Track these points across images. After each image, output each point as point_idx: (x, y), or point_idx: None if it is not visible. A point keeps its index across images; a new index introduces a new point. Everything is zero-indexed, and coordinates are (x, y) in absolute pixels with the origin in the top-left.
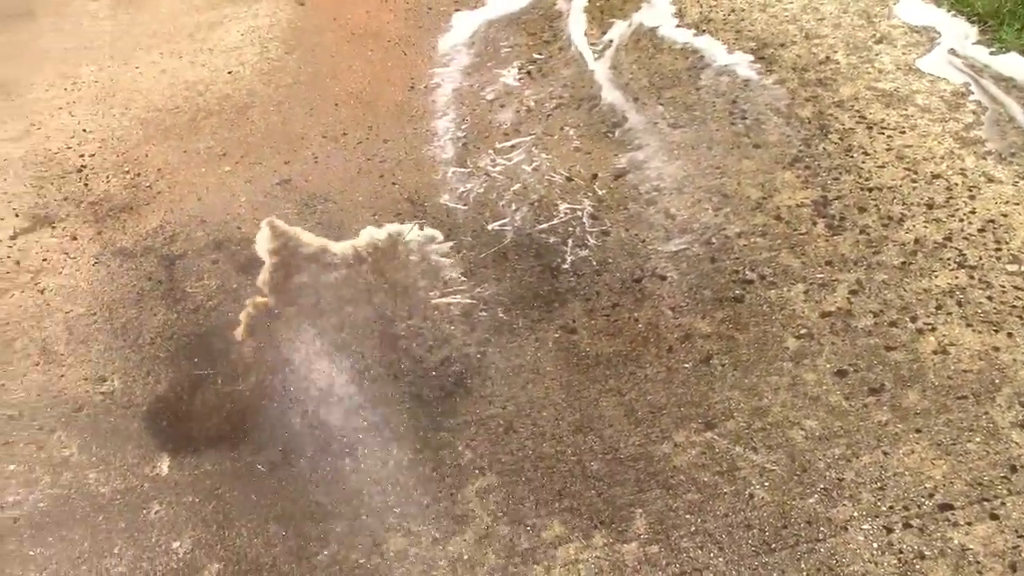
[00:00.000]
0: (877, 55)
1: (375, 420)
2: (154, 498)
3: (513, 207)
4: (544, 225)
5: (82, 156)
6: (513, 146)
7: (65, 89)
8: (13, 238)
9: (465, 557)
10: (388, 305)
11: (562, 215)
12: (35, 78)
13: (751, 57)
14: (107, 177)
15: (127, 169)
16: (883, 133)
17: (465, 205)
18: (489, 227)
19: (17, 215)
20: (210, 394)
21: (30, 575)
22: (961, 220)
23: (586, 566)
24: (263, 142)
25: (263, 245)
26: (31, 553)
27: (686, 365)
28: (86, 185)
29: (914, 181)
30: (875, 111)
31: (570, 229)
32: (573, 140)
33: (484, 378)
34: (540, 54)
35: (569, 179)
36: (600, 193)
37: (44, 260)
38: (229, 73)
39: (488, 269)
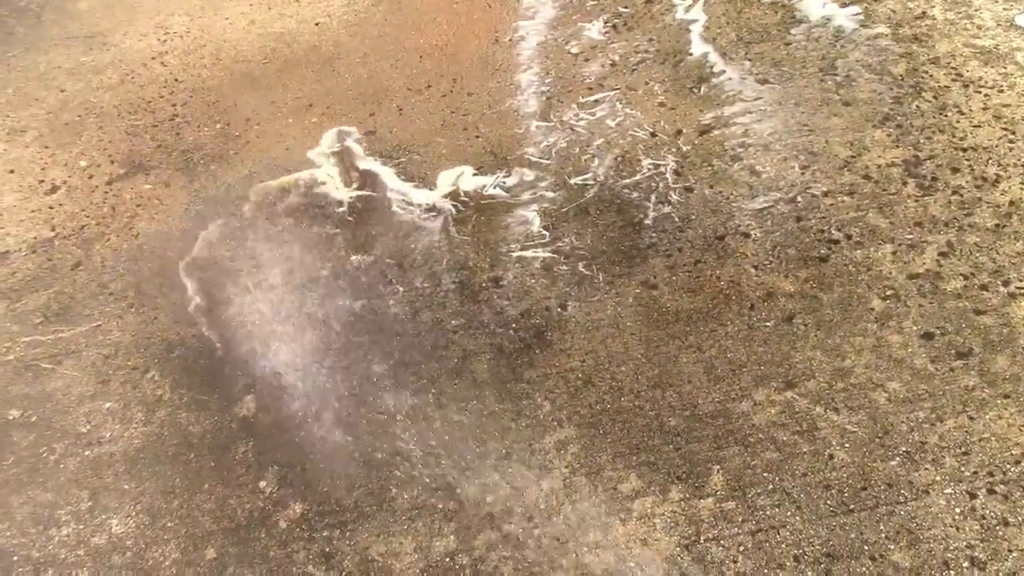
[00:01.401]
0: (976, 10)
1: (456, 370)
2: (241, 439)
3: (596, 162)
4: (627, 180)
5: (174, 106)
6: (597, 101)
7: (158, 39)
8: (109, 184)
9: (542, 506)
10: (471, 257)
11: (645, 171)
12: (128, 28)
13: (844, 11)
14: (198, 126)
15: (217, 119)
16: (980, 92)
17: (548, 159)
18: (571, 181)
19: (113, 162)
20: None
21: (126, 506)
22: None
23: (662, 520)
24: (349, 93)
25: (344, 194)
26: (126, 487)
27: (768, 324)
28: (178, 134)
29: (1011, 142)
30: (972, 69)
31: (653, 185)
32: (658, 95)
33: (564, 332)
34: (626, 7)
35: (653, 134)
36: (684, 149)
37: (138, 206)
38: (316, 24)
39: (569, 223)
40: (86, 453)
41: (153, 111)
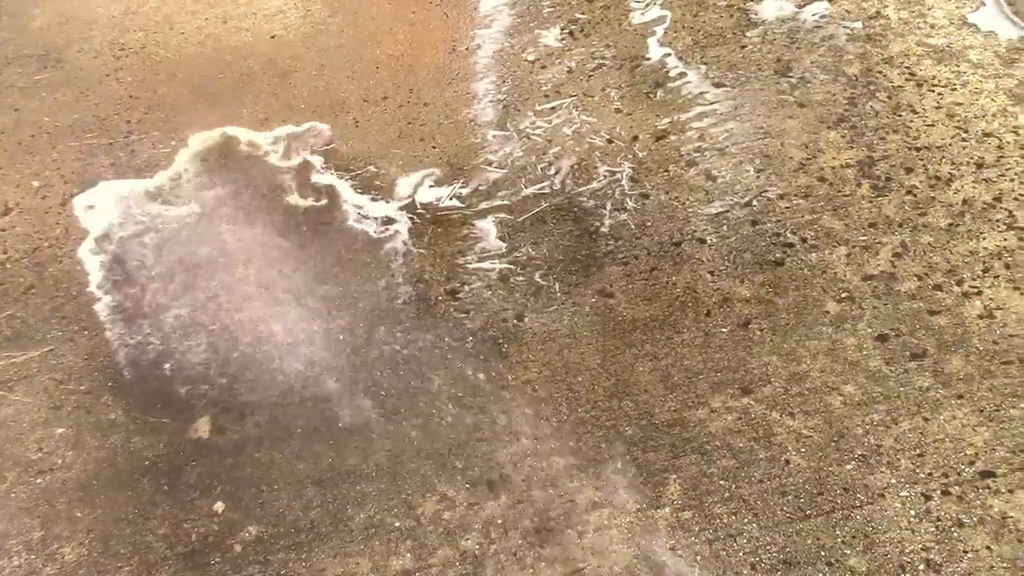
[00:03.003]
0: (929, 9)
1: (412, 385)
2: (195, 462)
3: (552, 170)
4: (583, 188)
5: (129, 123)
6: (554, 108)
7: (113, 56)
8: (62, 204)
9: (499, 521)
10: (427, 269)
11: (601, 178)
12: (83, 45)
13: (799, 13)
14: (153, 143)
15: (172, 135)
16: (933, 90)
17: (504, 168)
18: (528, 190)
19: (67, 182)
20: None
21: (79, 535)
22: (1012, 180)
23: (619, 531)
24: (306, 106)
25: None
26: (79, 515)
27: (724, 330)
28: (132, 152)
29: (964, 140)
30: (925, 68)
31: (609, 192)
32: (614, 101)
33: (520, 344)
34: (583, 13)
35: (609, 141)
36: (640, 155)
37: None
38: (272, 38)
39: (526, 233)
40: (38, 481)
41: (107, 129)
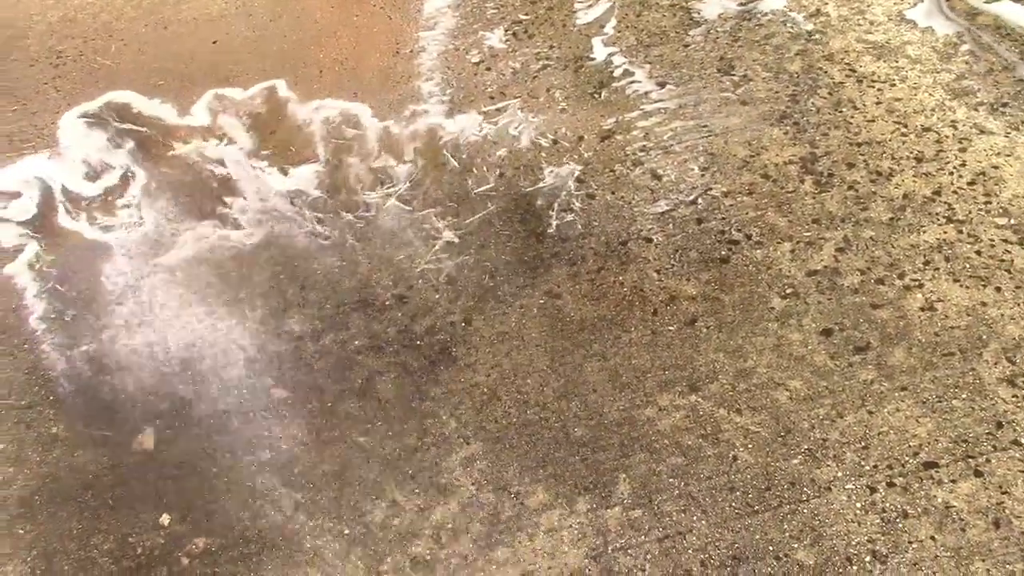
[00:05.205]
0: (868, 6)
1: (360, 391)
2: (140, 474)
3: (498, 171)
4: (529, 189)
5: None
6: (499, 109)
7: (51, 64)
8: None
9: (449, 526)
10: (372, 274)
11: (547, 179)
12: (20, 54)
13: (741, 11)
14: None
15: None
16: (873, 86)
17: (449, 171)
18: (474, 193)
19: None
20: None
21: (20, 552)
22: (951, 173)
23: (570, 532)
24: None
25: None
26: (20, 532)
27: (671, 328)
28: None
29: (904, 135)
30: (865, 64)
31: (555, 193)
32: (559, 102)
33: (469, 346)
34: (527, 14)
35: (555, 142)
36: (586, 155)
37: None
38: (214, 43)
39: (473, 235)
40: None
41: (47, 138)
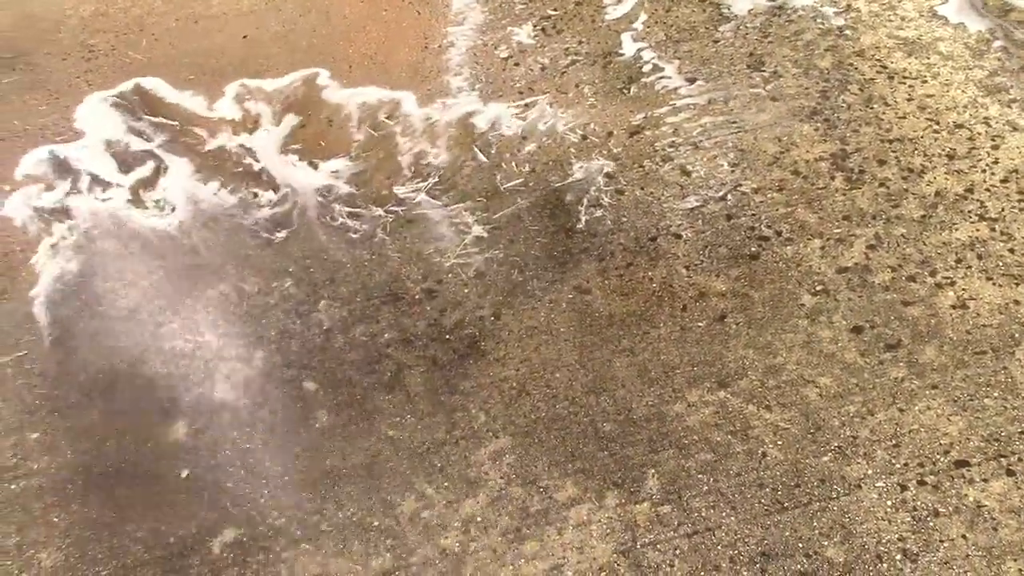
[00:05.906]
0: (900, 1)
1: (389, 385)
2: (173, 464)
3: (527, 167)
4: (559, 184)
5: None
6: (527, 105)
7: (83, 58)
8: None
9: (478, 519)
10: (403, 268)
11: (576, 174)
12: (52, 48)
13: (771, 6)
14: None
15: None
16: (904, 83)
17: (479, 166)
18: (503, 188)
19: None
20: None
21: (55, 540)
22: (983, 171)
23: (598, 527)
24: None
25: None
26: (55, 520)
27: (700, 324)
28: None
29: (936, 132)
30: (896, 60)
31: (584, 188)
32: (588, 97)
33: (498, 340)
34: (555, 10)
35: (584, 137)
36: (615, 151)
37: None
38: (244, 38)
39: (502, 230)
40: (12, 487)
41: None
